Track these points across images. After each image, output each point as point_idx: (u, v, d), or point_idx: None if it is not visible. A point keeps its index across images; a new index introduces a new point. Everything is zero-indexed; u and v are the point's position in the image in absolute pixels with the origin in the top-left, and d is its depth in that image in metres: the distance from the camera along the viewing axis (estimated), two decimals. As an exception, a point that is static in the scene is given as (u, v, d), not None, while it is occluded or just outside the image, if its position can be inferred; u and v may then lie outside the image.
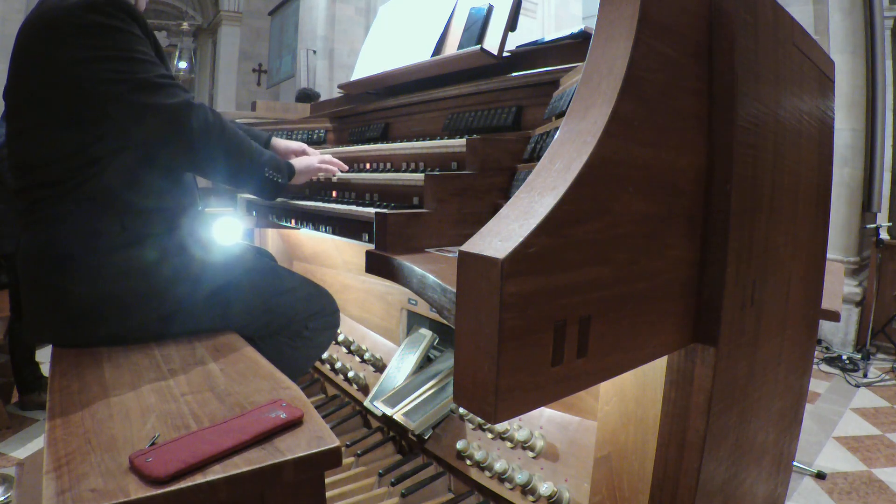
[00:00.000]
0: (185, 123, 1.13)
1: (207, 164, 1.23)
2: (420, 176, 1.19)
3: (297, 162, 1.49)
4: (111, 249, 1.13)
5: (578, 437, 1.28)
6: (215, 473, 0.73)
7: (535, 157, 1.22)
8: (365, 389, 1.88)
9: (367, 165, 1.74)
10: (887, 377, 3.57)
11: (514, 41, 1.55)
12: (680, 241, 0.76)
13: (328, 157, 1.60)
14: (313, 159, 1.55)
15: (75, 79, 1.06)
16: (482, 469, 1.39)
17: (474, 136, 1.32)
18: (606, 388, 1.00)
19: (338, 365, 2.02)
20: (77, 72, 1.06)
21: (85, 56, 1.06)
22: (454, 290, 0.66)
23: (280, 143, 1.65)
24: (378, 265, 1.06)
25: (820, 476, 2.29)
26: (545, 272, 0.58)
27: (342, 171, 1.62)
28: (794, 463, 1.98)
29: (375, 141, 1.89)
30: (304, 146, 1.66)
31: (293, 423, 0.85)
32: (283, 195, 1.50)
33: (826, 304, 1.74)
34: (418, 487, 1.48)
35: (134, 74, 1.08)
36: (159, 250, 1.18)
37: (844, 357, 3.84)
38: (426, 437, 1.57)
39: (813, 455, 2.50)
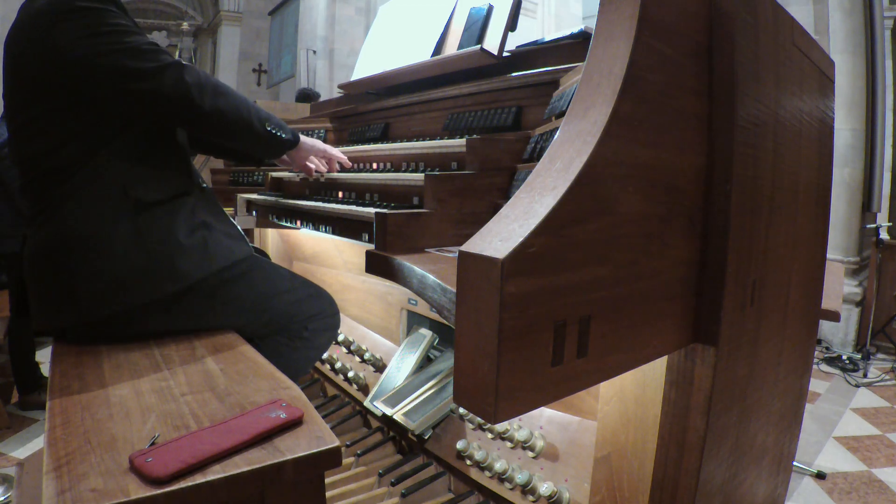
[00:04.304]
0: (179, 81, 1.16)
1: (208, 120, 1.23)
2: (420, 176, 1.19)
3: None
4: (115, 233, 1.14)
5: (578, 437, 1.28)
6: (215, 473, 0.73)
7: (535, 157, 1.22)
8: (365, 389, 1.88)
9: (367, 165, 1.74)
10: (887, 377, 3.57)
11: (514, 41, 1.55)
12: (680, 241, 0.76)
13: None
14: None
15: (72, 58, 1.11)
16: (482, 469, 1.39)
17: (474, 136, 1.32)
18: (606, 388, 1.00)
19: (338, 365, 2.02)
20: (73, 49, 1.11)
21: (78, 34, 1.11)
22: (454, 290, 0.66)
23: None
24: (378, 265, 1.06)
25: (820, 476, 2.29)
26: (545, 272, 0.58)
27: (344, 168, 1.63)
28: (794, 463, 1.98)
29: (375, 141, 1.89)
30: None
31: (293, 423, 0.84)
32: (284, 194, 1.50)
33: (826, 304, 1.75)
34: (418, 487, 1.48)
35: (124, 44, 1.14)
36: (164, 234, 1.19)
37: (844, 357, 3.84)
38: (426, 437, 1.57)
39: (813, 455, 2.50)
